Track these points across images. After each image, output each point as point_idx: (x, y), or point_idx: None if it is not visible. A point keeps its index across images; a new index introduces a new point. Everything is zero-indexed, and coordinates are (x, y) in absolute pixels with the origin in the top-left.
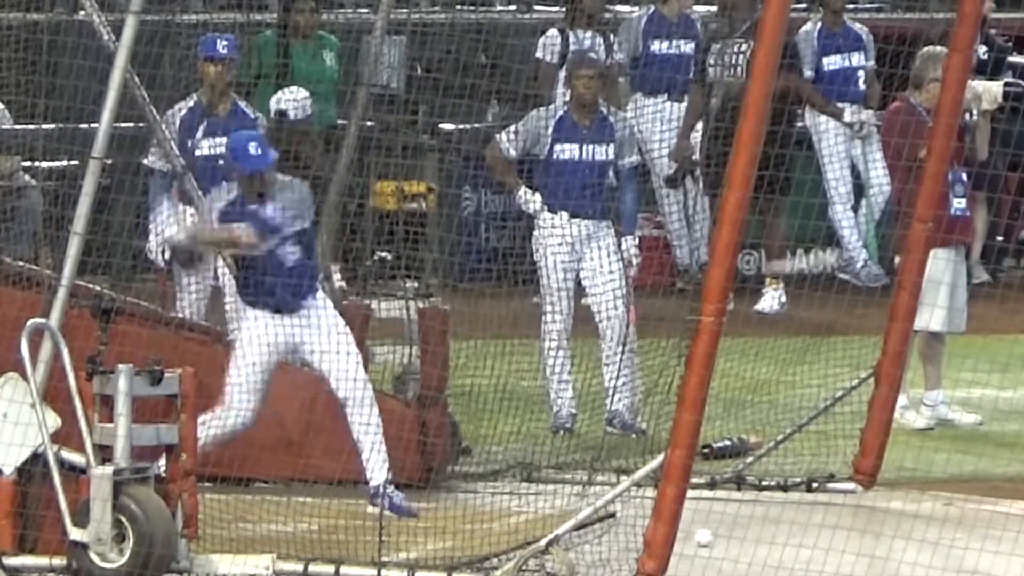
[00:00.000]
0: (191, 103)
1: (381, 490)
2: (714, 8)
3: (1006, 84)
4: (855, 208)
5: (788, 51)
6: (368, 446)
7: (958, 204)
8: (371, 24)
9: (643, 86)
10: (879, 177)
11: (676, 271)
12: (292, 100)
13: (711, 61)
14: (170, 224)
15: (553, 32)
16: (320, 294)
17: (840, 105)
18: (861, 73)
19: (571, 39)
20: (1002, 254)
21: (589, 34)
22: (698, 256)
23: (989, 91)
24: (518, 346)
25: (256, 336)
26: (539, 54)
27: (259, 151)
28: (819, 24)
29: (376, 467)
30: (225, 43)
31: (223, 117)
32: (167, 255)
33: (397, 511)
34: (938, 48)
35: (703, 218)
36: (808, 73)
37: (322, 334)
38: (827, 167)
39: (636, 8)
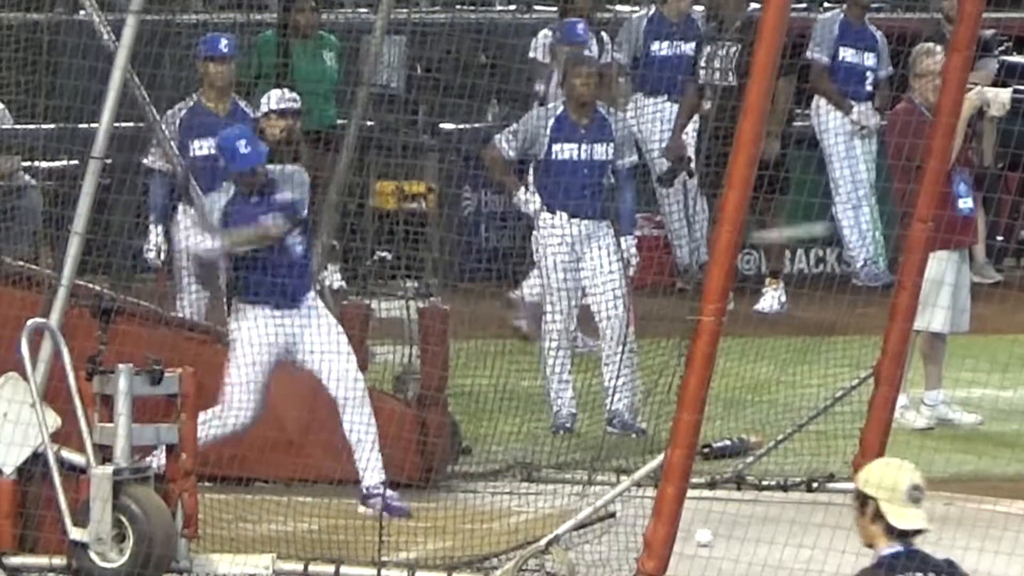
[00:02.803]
0: (191, 103)
1: (376, 491)
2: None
3: (1015, 91)
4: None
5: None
6: (364, 447)
7: (964, 205)
8: (371, 24)
9: (643, 86)
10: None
11: (676, 271)
12: None
13: (702, 63)
14: (191, 233)
15: (547, 31)
16: (312, 292)
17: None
18: (870, 74)
19: None
20: (1002, 254)
21: None
22: (698, 256)
23: (999, 97)
24: (518, 346)
25: (256, 335)
26: (533, 54)
27: (248, 148)
28: (840, 16)
29: (371, 468)
30: (227, 42)
31: (223, 117)
32: (193, 266)
33: (391, 511)
34: (928, 44)
35: (703, 218)
36: (824, 58)
37: (320, 332)
38: (829, 166)
39: (636, 8)
